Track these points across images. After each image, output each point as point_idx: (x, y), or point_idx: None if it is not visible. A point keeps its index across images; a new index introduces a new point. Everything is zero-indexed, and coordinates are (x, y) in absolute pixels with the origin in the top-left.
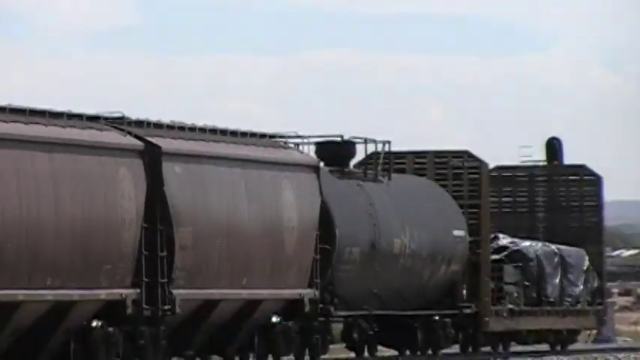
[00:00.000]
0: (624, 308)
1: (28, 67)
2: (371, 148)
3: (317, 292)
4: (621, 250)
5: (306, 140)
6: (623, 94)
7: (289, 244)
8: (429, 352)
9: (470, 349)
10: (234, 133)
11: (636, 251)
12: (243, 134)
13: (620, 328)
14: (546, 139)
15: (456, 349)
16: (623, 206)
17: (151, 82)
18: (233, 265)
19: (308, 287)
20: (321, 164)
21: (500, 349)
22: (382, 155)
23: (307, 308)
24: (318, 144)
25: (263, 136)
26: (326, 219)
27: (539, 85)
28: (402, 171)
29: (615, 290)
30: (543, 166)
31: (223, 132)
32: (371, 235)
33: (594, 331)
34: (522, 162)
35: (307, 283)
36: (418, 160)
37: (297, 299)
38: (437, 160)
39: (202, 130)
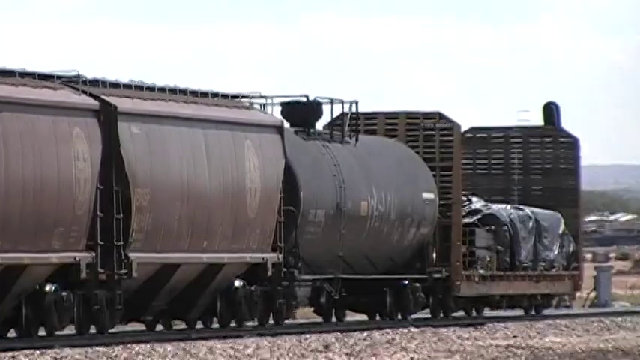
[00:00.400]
0: (621, 272)
1: None
2: (339, 109)
3: (280, 256)
4: (619, 215)
5: (270, 101)
6: (620, 60)
7: (252, 206)
8: (399, 316)
9: (441, 314)
10: (194, 93)
11: (634, 216)
12: (204, 94)
13: (617, 293)
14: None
15: (427, 313)
16: (622, 171)
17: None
18: (193, 228)
19: (271, 251)
20: (287, 125)
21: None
22: (349, 116)
23: (270, 272)
24: (283, 104)
25: (225, 96)
26: (290, 181)
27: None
28: (372, 132)
29: (613, 254)
30: (518, 128)
31: (184, 92)
32: (337, 197)
33: (592, 295)
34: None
35: (270, 247)
36: (389, 122)
37: (260, 263)
38: (408, 121)
39: (162, 89)
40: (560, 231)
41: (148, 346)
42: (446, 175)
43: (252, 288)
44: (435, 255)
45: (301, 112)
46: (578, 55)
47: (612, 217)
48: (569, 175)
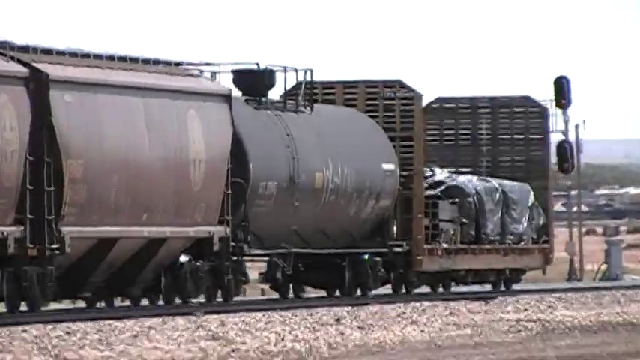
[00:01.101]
0: (632, 246)
1: None
2: (293, 78)
3: (228, 230)
4: (630, 188)
5: (218, 68)
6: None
7: (196, 178)
8: (359, 292)
9: (404, 290)
10: (134, 60)
11: None
12: (145, 61)
13: (628, 266)
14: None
15: (388, 289)
16: (633, 145)
17: None
18: (132, 201)
19: (218, 224)
20: (239, 94)
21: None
22: (304, 84)
23: (217, 247)
24: (235, 72)
25: (168, 63)
26: (239, 152)
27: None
28: (331, 102)
29: (623, 228)
30: (487, 98)
31: (122, 59)
32: (289, 169)
33: (603, 268)
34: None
35: (217, 220)
36: (348, 91)
37: (206, 237)
38: (368, 90)
39: (99, 57)
40: (530, 203)
41: (160, 319)
42: (407, 145)
43: (199, 263)
44: (395, 228)
45: (253, 81)
46: (588, 28)
47: (622, 191)
48: (540, 146)
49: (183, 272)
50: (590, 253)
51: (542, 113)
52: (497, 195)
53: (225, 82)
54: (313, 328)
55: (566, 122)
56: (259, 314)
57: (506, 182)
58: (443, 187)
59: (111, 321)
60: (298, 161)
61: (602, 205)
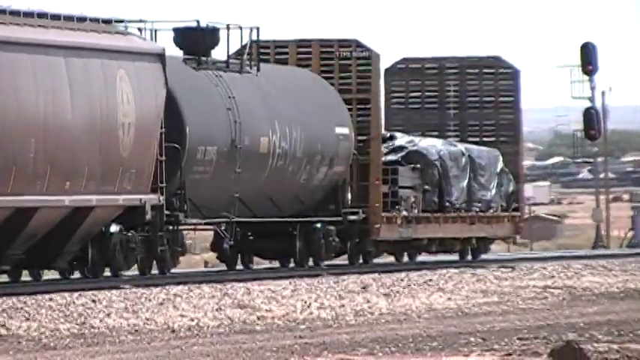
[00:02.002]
0: None
1: None
2: (238, 36)
3: (162, 198)
4: None
5: (151, 26)
6: None
7: (125, 142)
8: (310, 263)
9: (361, 261)
10: (56, 17)
11: None
12: (68, 18)
13: None
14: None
15: (345, 260)
16: None
17: None
18: (53, 168)
19: (151, 192)
20: (180, 54)
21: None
22: (249, 43)
23: (149, 216)
24: (176, 31)
25: (96, 20)
26: (174, 114)
27: None
28: (283, 62)
29: None
30: (455, 58)
31: (42, 15)
32: (231, 132)
33: (629, 235)
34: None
35: (150, 188)
36: (301, 51)
37: (138, 206)
38: (322, 50)
39: (15, 13)
40: (499, 169)
41: (186, 287)
42: (363, 108)
43: (130, 234)
44: (350, 196)
45: (194, 39)
46: None
47: None
48: (510, 109)
49: (113, 243)
50: (617, 219)
51: (513, 74)
52: (464, 160)
53: (166, 41)
54: (339, 295)
55: (592, 89)
56: (285, 282)
57: (473, 147)
58: (404, 153)
59: (137, 289)
60: (241, 124)
61: (629, 171)
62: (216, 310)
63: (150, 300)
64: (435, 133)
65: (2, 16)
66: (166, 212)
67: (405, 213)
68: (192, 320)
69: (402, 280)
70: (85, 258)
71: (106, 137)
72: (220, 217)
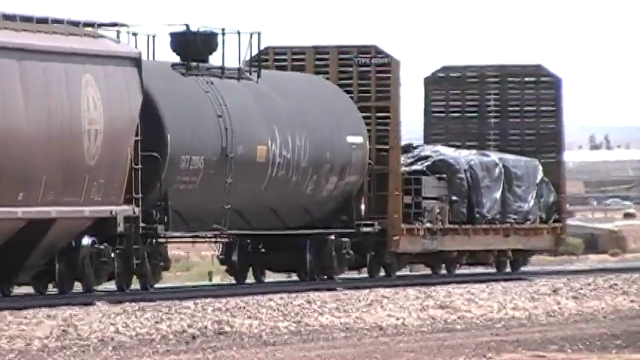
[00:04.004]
0: None
1: None
2: (234, 40)
3: (137, 209)
4: None
5: (126, 29)
6: None
7: (91, 151)
8: (324, 277)
9: (383, 274)
10: (10, 18)
11: None
12: (26, 19)
13: None
14: None
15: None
16: None
17: None
18: (2, 178)
19: (125, 203)
20: (177, 59)
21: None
22: (250, 49)
23: (121, 228)
24: (171, 36)
25: (59, 22)
26: (154, 122)
27: None
28: (301, 69)
29: None
30: (495, 66)
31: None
32: (221, 141)
33: None
34: None
35: (123, 199)
36: (319, 57)
37: (109, 217)
38: (340, 56)
39: None
40: (538, 180)
41: (393, 290)
42: (382, 116)
43: (102, 247)
44: (364, 207)
45: (189, 44)
46: None
47: None
48: (551, 118)
49: (82, 257)
50: None
51: (555, 83)
52: (497, 170)
53: (163, 47)
54: (532, 298)
55: None
56: (483, 285)
57: (508, 156)
58: (429, 162)
59: (347, 291)
60: (233, 132)
61: None
62: (420, 310)
63: (359, 301)
64: (475, 143)
65: None
66: (142, 224)
67: (428, 224)
68: (398, 319)
69: (589, 284)
70: (53, 272)
71: (67, 145)
72: (210, 230)
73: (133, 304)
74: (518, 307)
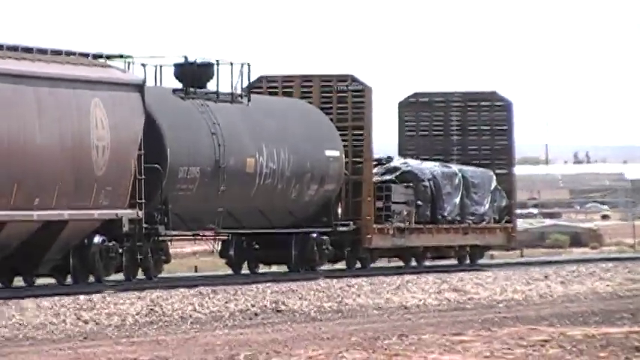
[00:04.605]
0: None
1: None
2: (229, 70)
3: (140, 212)
4: None
5: (131, 60)
6: None
7: (99, 163)
8: (308, 268)
9: (358, 266)
10: (27, 50)
11: None
12: (42, 51)
13: None
14: None
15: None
16: None
17: None
18: (20, 186)
19: (130, 207)
20: (179, 85)
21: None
22: (241, 77)
23: (126, 228)
24: (176, 66)
25: (71, 53)
26: (156, 139)
27: None
28: (289, 94)
29: None
30: (458, 93)
31: (13, 49)
32: (215, 154)
33: None
34: None
35: (127, 203)
36: (304, 84)
37: (115, 219)
38: (322, 83)
39: None
40: (492, 187)
41: (415, 276)
42: (358, 134)
43: (111, 244)
44: (340, 210)
45: (190, 73)
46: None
47: None
48: (504, 136)
49: (92, 252)
50: None
51: (507, 107)
52: (457, 179)
53: (168, 75)
54: (528, 282)
55: None
56: (489, 272)
57: (467, 168)
58: (398, 173)
59: (380, 277)
60: (224, 147)
61: None
62: (438, 293)
63: (389, 285)
64: (440, 157)
65: None
66: (145, 225)
67: (397, 224)
68: (420, 300)
69: (573, 271)
70: (67, 266)
71: (78, 158)
72: (205, 229)
73: (208, 288)
74: (516, 291)
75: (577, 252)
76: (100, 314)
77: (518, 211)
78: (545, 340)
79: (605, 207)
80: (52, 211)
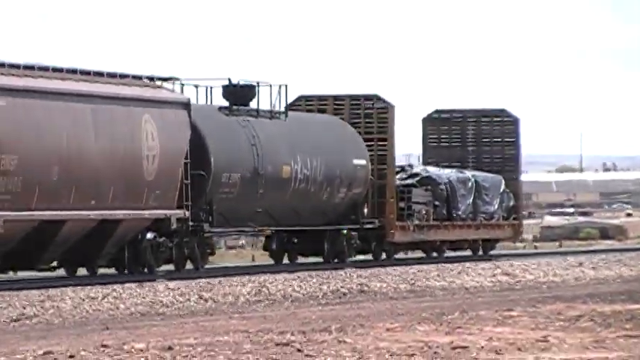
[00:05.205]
0: None
1: None
2: (268, 90)
3: (187, 213)
4: None
5: (179, 82)
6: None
7: (149, 170)
8: (336, 260)
9: (384, 257)
10: (86, 72)
11: None
12: (98, 74)
13: None
14: None
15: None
16: None
17: None
18: (77, 189)
19: (178, 208)
20: (225, 103)
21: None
22: (279, 96)
23: (174, 226)
24: (223, 87)
25: (125, 76)
26: (201, 149)
27: None
28: (324, 111)
29: None
30: (474, 110)
31: (72, 71)
32: (254, 162)
33: None
34: None
35: (176, 204)
36: (337, 103)
37: (164, 218)
38: (352, 102)
39: (58, 69)
40: (501, 190)
41: (474, 263)
42: (382, 145)
43: (162, 239)
44: (366, 210)
45: (235, 93)
46: None
47: None
48: (512, 147)
49: (144, 247)
50: None
51: (514, 122)
52: (470, 183)
53: (217, 95)
54: (565, 268)
55: None
56: (534, 260)
57: (479, 173)
58: (418, 178)
59: (445, 264)
60: (262, 156)
61: None
62: (492, 276)
63: (452, 270)
64: (458, 164)
65: (44, 72)
66: (191, 223)
67: (416, 222)
68: (477, 282)
69: (603, 259)
70: (122, 259)
71: (130, 165)
72: (245, 227)
73: (305, 272)
74: (556, 274)
75: (606, 244)
76: (217, 294)
77: (557, 209)
78: (580, 315)
79: (629, 207)
80: (106, 211)
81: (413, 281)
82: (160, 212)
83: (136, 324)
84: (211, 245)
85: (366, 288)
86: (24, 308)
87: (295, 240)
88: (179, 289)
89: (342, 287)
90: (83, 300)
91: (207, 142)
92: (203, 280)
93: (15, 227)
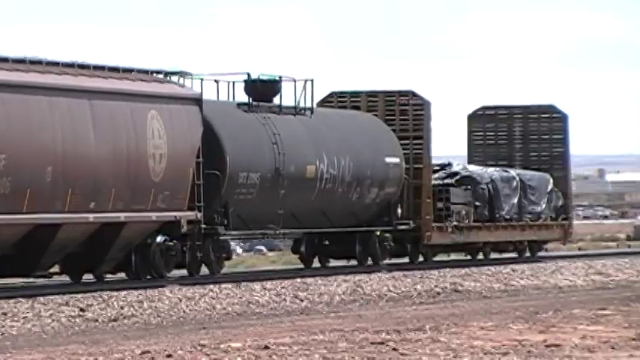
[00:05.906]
0: None
1: None
2: (293, 85)
3: (199, 215)
4: None
5: (190, 77)
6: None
7: (156, 170)
8: (369, 262)
9: (421, 260)
10: (84, 66)
11: None
12: (98, 68)
13: None
14: None
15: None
16: None
17: None
18: (74, 190)
19: (189, 210)
20: (249, 100)
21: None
22: (304, 91)
23: (185, 229)
24: (245, 82)
25: (129, 70)
26: (216, 147)
27: None
28: (357, 108)
29: None
30: (520, 106)
31: (69, 65)
32: (275, 161)
33: None
34: None
35: (186, 206)
36: (370, 99)
37: (174, 221)
38: (386, 99)
39: (53, 63)
40: (549, 189)
41: (567, 262)
42: (418, 143)
43: (172, 243)
44: (400, 210)
45: (256, 89)
46: None
47: None
48: (560, 144)
49: (152, 251)
50: None
51: (563, 118)
52: (515, 183)
53: (239, 90)
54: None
55: None
56: (625, 259)
57: (525, 172)
58: (457, 177)
59: (537, 263)
60: (285, 155)
61: None
62: (585, 275)
63: (545, 270)
64: (505, 162)
65: (36, 65)
66: (204, 226)
67: (455, 223)
68: (571, 282)
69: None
70: (130, 264)
71: (134, 165)
72: (266, 229)
73: (400, 272)
74: None
75: None
76: (312, 294)
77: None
78: None
79: None
80: (107, 214)
81: (506, 280)
82: (168, 214)
83: (233, 323)
84: (227, 249)
85: (459, 287)
86: (122, 308)
87: (326, 242)
88: (275, 289)
89: (435, 287)
90: (180, 300)
91: (222, 140)
92: (298, 280)
93: (4, 232)
